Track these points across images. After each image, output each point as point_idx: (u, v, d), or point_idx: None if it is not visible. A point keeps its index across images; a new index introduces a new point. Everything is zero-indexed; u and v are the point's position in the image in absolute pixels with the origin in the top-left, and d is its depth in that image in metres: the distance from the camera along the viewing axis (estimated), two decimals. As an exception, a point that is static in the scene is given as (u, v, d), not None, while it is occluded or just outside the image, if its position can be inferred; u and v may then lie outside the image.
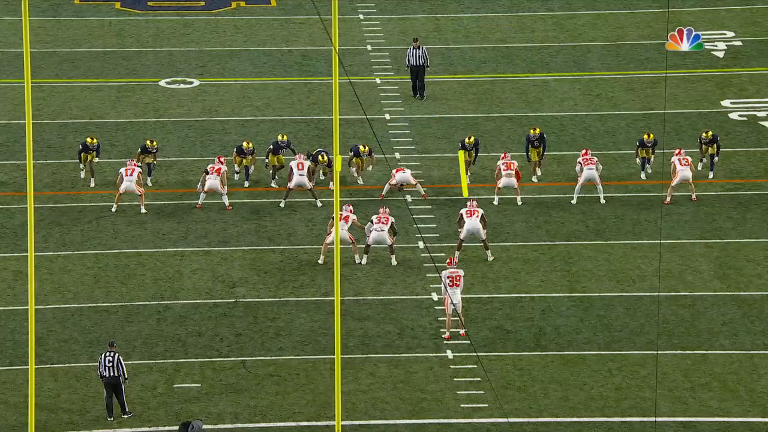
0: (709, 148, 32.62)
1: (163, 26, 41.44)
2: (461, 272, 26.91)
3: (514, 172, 31.57)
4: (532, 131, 32.61)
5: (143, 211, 31.35)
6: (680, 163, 32.07)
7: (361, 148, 32.59)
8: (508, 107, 36.79)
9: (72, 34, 40.89)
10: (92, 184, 32.19)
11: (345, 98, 35.70)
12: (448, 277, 26.73)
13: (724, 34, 40.38)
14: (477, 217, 29.00)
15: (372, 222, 29.20)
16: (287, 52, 40.74)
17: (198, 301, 28.13)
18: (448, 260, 27.20)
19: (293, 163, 31.71)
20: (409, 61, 37.13)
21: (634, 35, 40.82)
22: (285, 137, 32.77)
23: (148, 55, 40.33)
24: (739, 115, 36.36)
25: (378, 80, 38.28)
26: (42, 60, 39.15)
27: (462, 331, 26.61)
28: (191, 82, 38.72)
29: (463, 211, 29.28)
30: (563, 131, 35.58)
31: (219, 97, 37.93)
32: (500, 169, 31.93)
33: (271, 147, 32.60)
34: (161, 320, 27.47)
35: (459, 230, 29.21)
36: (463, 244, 29.09)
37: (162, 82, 38.66)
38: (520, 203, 31.45)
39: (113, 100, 37.37)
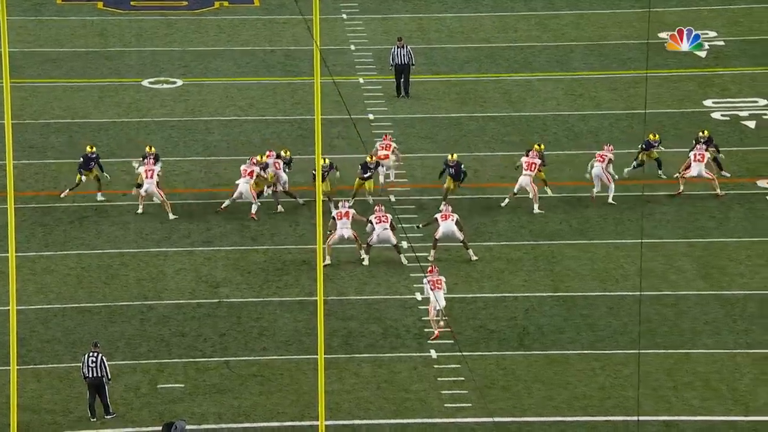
0: (706, 153, 32.14)
1: (145, 26, 41.34)
2: (442, 278, 26.99)
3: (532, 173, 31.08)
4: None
5: (172, 217, 30.65)
6: (695, 159, 32.01)
7: (369, 158, 31.24)
8: (491, 107, 36.81)
9: (54, 34, 40.77)
10: (99, 197, 31.32)
11: (328, 98, 35.68)
12: (429, 282, 26.86)
13: (707, 33, 40.49)
14: (452, 220, 28.97)
15: (372, 222, 29.09)
16: (270, 51, 40.68)
17: (181, 301, 28.08)
18: (429, 269, 27.20)
19: (270, 160, 31.60)
20: (393, 60, 37.13)
21: (616, 35, 40.90)
22: (288, 153, 31.69)
23: (130, 54, 40.22)
24: (722, 115, 36.47)
25: (361, 80, 38.26)
26: (24, 60, 39.01)
27: (437, 332, 26.58)
28: (174, 82, 38.63)
29: (437, 215, 29.25)
30: (546, 131, 35.63)
31: (202, 97, 37.85)
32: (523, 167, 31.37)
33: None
34: (144, 320, 27.41)
35: (434, 234, 29.16)
36: (440, 245, 29.05)
37: (145, 82, 38.56)
38: (536, 210, 31.07)
39: (96, 100, 37.26)
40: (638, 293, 28.10)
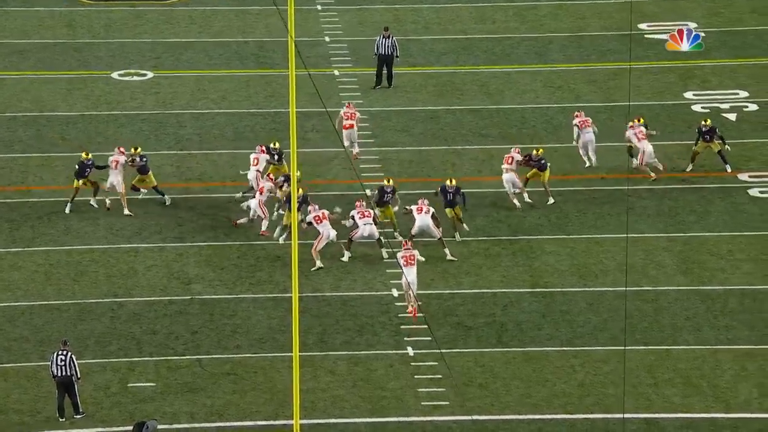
0: (711, 145, 32.14)
1: (115, 17, 41.18)
2: (416, 252, 27.15)
3: (591, 128, 31.63)
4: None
5: (126, 212, 30.56)
6: (637, 138, 32.15)
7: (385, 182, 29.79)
8: (468, 99, 36.84)
9: (21, 25, 40.56)
10: (93, 202, 30.99)
11: (303, 90, 35.60)
12: (402, 257, 26.95)
13: (687, 24, 40.61)
14: (428, 213, 29.01)
15: (353, 218, 28.99)
16: (243, 43, 40.59)
17: (152, 298, 28.01)
18: (403, 242, 27.35)
19: (251, 157, 31.52)
20: (378, 49, 37.16)
21: (596, 26, 40.97)
22: (277, 144, 31.15)
23: (99, 46, 40.05)
24: (702, 107, 36.58)
25: (337, 72, 38.24)
26: (-10, 51, 38.87)
27: (410, 308, 26.77)
28: (145, 74, 38.50)
29: (413, 207, 29.27)
30: (525, 124, 35.68)
31: (173, 89, 37.74)
32: (576, 127, 31.99)
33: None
34: (115, 318, 27.34)
35: (411, 230, 29.11)
36: (416, 239, 29.06)
37: (114, 74, 38.42)
38: (594, 161, 31.67)
39: (64, 92, 37.10)
40: (619, 288, 28.16)
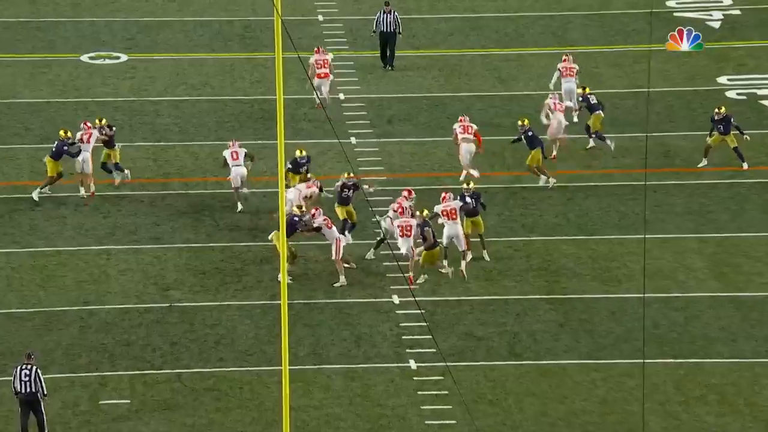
0: (726, 138, 32.29)
1: (84, -7, 41.37)
2: (413, 223, 27.47)
3: (473, 137, 31.67)
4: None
5: (83, 194, 31.00)
6: (555, 107, 32.68)
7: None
8: (478, 85, 36.99)
9: (-21, 2, 40.76)
10: (82, 193, 31.30)
11: (293, 75, 35.79)
12: (398, 227, 27.25)
13: (721, 2, 40.79)
14: (458, 221, 28.69)
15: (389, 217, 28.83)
16: (227, 23, 40.73)
17: (127, 305, 28.18)
18: (399, 210, 28.03)
19: (227, 153, 31.54)
20: (377, 26, 37.32)
21: (620, 3, 41.14)
22: (303, 152, 30.62)
23: (66, 25, 40.19)
24: (737, 94, 36.75)
25: (331, 55, 38.39)
26: (-55, 32, 39.05)
27: (409, 275, 27.36)
28: (117, 57, 38.65)
29: (438, 209, 29.02)
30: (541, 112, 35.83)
31: (149, 74, 37.91)
32: (457, 134, 31.99)
33: (290, 165, 30.51)
34: (85, 328, 27.50)
35: (422, 236, 28.90)
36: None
37: (84, 57, 38.58)
38: (476, 174, 31.60)
39: (27, 77, 37.26)
40: (644, 295, 28.31)
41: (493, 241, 30.14)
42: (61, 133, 31.42)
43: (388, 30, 36.93)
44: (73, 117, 35.03)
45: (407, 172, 32.92)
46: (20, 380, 24.36)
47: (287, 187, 29.44)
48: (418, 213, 28.60)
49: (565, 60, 34.33)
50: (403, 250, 27.40)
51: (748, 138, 32.75)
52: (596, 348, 26.90)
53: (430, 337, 26.66)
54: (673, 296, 28.50)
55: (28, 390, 24.24)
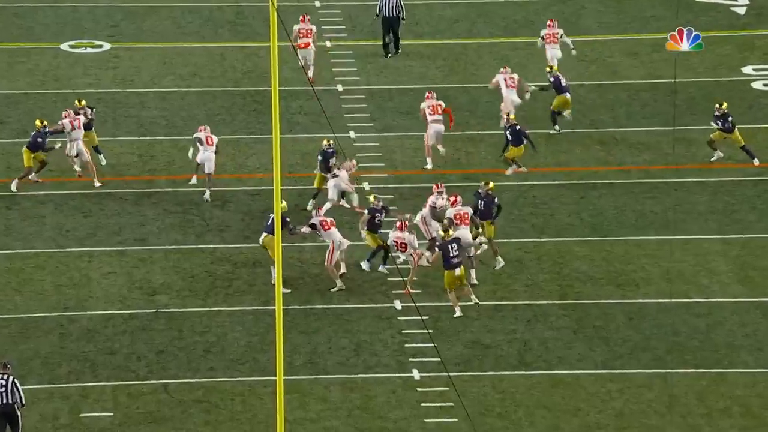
0: (731, 136, 32.32)
1: (65, -23, 41.35)
2: (408, 238, 27.99)
3: (441, 117, 31.81)
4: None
5: (97, 184, 31.44)
6: (506, 84, 33.12)
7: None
8: (485, 76, 36.92)
9: (-47, -13, 40.73)
10: (34, 176, 31.44)
11: (288, 65, 35.74)
12: (394, 241, 27.90)
13: (745, -15, 40.70)
14: (466, 225, 28.53)
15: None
16: (217, 9, 40.68)
17: (110, 311, 28.11)
18: (400, 214, 28.39)
19: (202, 135, 31.21)
20: (380, 10, 37.40)
21: (637, -12, 41.09)
22: (330, 142, 30.62)
23: (46, 11, 40.14)
24: (764, 84, 36.67)
25: (328, 43, 38.31)
26: None
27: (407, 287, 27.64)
28: (100, 46, 38.60)
29: (450, 213, 28.66)
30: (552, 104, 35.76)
31: (135, 63, 37.84)
32: (426, 113, 32.05)
33: (320, 157, 30.55)
34: (65, 335, 27.43)
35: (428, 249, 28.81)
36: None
37: (64, 46, 38.52)
38: (442, 151, 31.72)
39: (4, 66, 37.22)
40: (663, 300, 28.24)
41: (501, 242, 30.02)
42: (37, 122, 31.53)
43: (391, 15, 37.00)
44: (52, 109, 34.94)
45: (409, 169, 32.82)
46: (-5, 391, 24.26)
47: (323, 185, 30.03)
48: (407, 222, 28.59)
49: (550, 26, 35.25)
50: (402, 258, 27.66)
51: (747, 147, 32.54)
52: (612, 357, 26.83)
53: (434, 345, 26.58)
54: (694, 301, 28.43)
55: (5, 401, 24.16)
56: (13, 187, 31.36)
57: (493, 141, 33.62)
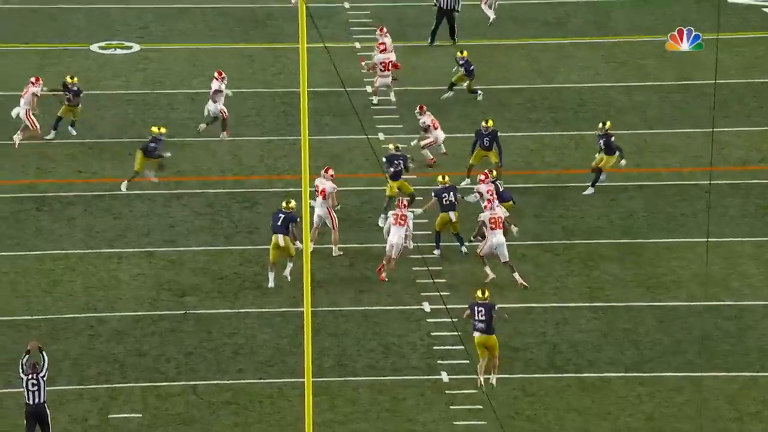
0: (610, 157, 31.63)
1: (96, -21, 41.46)
2: (409, 215, 28.16)
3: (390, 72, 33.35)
4: (484, 123, 31.45)
5: (17, 140, 32.58)
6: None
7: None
8: (515, 78, 36.82)
9: (-16, -11, 40.87)
10: (17, 139, 32.24)
11: (317, 67, 35.72)
12: (393, 214, 28.09)
13: (778, -14, 40.52)
14: (500, 228, 28.37)
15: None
16: (248, 11, 40.72)
17: (139, 313, 28.15)
18: (399, 202, 28.61)
19: (221, 85, 32.68)
20: (438, 2, 37.81)
21: (668, -10, 40.95)
22: (395, 146, 30.48)
23: (77, 14, 40.24)
24: (796, 87, 36.55)
25: (358, 45, 38.28)
26: (-52, 20, 39.14)
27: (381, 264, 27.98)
28: (130, 47, 38.67)
29: (484, 217, 28.74)
30: (582, 106, 35.66)
31: (164, 65, 37.90)
32: (377, 68, 33.77)
33: (385, 160, 30.27)
34: (94, 337, 27.47)
35: (475, 239, 28.80)
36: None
37: (94, 47, 38.60)
38: (393, 99, 33.00)
39: (36, 68, 37.30)
40: (694, 303, 28.11)
41: (530, 244, 29.95)
42: (154, 129, 31.89)
43: (448, 6, 37.76)
44: (82, 110, 35.00)
45: (438, 170, 32.75)
46: (28, 390, 24.27)
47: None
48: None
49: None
50: (393, 240, 28.01)
51: (624, 163, 31.84)
52: (642, 360, 26.74)
53: (463, 347, 26.53)
54: (725, 305, 28.30)
55: (37, 401, 24.18)
56: (123, 187, 31.65)
57: (522, 144, 33.41)
